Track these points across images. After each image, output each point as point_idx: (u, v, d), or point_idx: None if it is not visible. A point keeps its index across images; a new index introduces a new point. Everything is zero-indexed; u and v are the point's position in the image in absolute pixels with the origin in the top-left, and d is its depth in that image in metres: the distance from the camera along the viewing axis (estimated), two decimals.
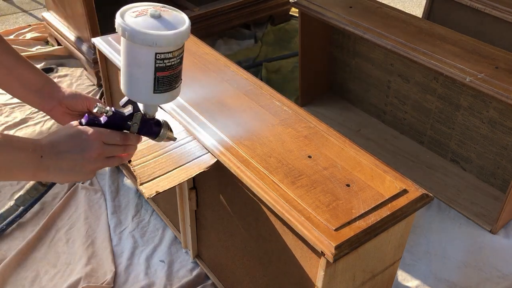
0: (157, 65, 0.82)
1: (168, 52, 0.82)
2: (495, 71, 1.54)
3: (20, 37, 2.75)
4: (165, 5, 0.87)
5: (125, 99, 0.90)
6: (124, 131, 0.90)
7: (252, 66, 2.60)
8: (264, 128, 1.19)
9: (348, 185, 1.03)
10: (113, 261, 1.54)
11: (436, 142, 1.98)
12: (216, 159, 1.11)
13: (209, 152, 1.13)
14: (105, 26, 2.24)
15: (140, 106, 0.91)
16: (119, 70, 1.51)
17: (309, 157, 1.10)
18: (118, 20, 0.80)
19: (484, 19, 2.06)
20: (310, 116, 1.24)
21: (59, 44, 2.65)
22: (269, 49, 2.78)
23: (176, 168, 1.10)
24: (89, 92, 2.34)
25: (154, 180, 1.07)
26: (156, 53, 0.81)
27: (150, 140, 0.96)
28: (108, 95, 1.72)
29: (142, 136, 0.93)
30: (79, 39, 2.39)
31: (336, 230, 0.93)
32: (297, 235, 0.98)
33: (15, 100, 2.26)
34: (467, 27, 2.12)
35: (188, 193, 1.36)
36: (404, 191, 1.03)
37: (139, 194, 1.79)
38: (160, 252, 1.58)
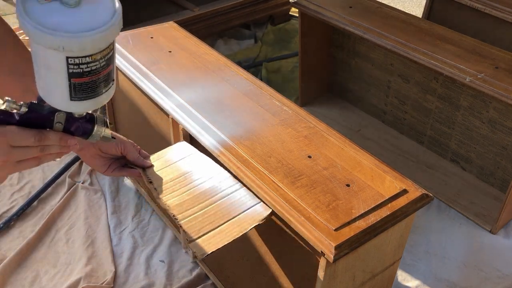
0: (70, 70, 0.64)
1: (85, 56, 0.63)
2: (495, 71, 1.54)
3: (20, 37, 2.75)
4: None
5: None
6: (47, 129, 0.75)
7: (252, 66, 2.60)
8: (264, 128, 1.19)
9: (348, 185, 1.03)
10: (113, 261, 1.54)
11: (436, 142, 1.98)
12: (271, 210, 1.01)
13: (261, 201, 1.02)
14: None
15: None
16: (117, 71, 1.52)
17: (309, 157, 1.10)
18: (17, 4, 0.60)
19: (484, 19, 2.06)
20: (310, 116, 1.24)
21: None
22: (269, 49, 2.78)
23: (227, 221, 0.99)
24: None
25: (204, 237, 0.95)
26: (67, 57, 0.62)
27: (193, 189, 0.86)
28: None
29: (70, 136, 0.77)
30: None
31: (336, 230, 0.93)
32: (297, 235, 0.98)
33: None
34: (467, 27, 2.12)
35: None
36: (404, 191, 1.03)
37: (139, 194, 1.79)
38: (160, 252, 1.58)
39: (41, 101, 0.72)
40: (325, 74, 2.32)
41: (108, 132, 0.81)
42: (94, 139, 0.79)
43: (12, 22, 3.09)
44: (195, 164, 1.14)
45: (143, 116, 1.51)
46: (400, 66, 1.97)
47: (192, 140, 1.28)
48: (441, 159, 1.98)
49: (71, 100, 0.68)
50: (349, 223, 0.95)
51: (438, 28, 1.79)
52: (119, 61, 1.47)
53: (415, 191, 1.03)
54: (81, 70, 0.64)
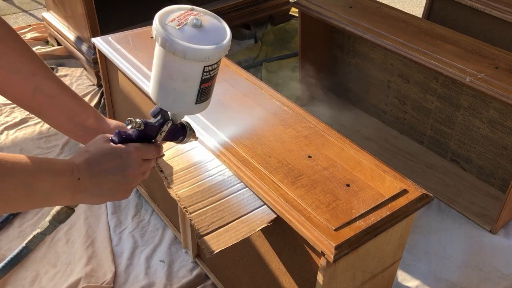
0: (203, 77, 0.81)
1: (214, 63, 0.81)
2: (495, 71, 1.54)
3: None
4: (194, 7, 0.83)
5: (156, 108, 0.87)
6: (153, 140, 0.88)
7: (252, 66, 2.60)
8: (264, 128, 1.19)
9: (348, 185, 1.03)
10: (113, 261, 1.54)
11: (436, 142, 1.98)
12: (275, 216, 1.01)
13: (265, 204, 1.03)
14: (105, 26, 2.24)
15: (170, 115, 0.89)
16: (117, 71, 1.52)
17: (309, 157, 1.10)
18: (161, 33, 0.77)
19: (484, 19, 2.06)
20: (310, 116, 1.24)
21: (59, 44, 2.65)
22: (269, 49, 2.78)
23: (236, 219, 0.99)
24: (89, 92, 2.34)
25: (213, 233, 0.96)
26: (204, 66, 0.79)
27: (204, 182, 0.93)
28: (108, 95, 1.72)
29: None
30: (79, 39, 2.39)
31: (336, 230, 0.93)
32: (297, 235, 0.98)
33: None
34: (467, 27, 2.12)
35: None
36: (404, 191, 1.03)
37: (139, 194, 1.79)
38: (160, 252, 1.58)
39: (156, 114, 0.86)
40: (325, 74, 2.31)
41: (194, 134, 0.95)
42: (186, 142, 0.94)
43: (13, 22, 3.09)
44: (206, 155, 1.14)
45: (144, 116, 1.51)
46: (400, 66, 1.97)
47: None
48: (441, 159, 1.98)
49: (196, 103, 0.85)
50: (349, 223, 0.95)
51: (438, 28, 1.79)
52: (119, 61, 1.47)
53: (415, 191, 1.03)
54: (209, 76, 0.81)
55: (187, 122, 0.94)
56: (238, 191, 1.06)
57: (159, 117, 0.87)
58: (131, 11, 2.59)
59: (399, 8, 1.97)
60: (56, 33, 2.58)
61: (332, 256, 0.89)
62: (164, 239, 1.63)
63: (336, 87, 2.33)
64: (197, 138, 0.96)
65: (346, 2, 1.98)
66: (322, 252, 0.90)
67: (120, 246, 1.60)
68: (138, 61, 1.46)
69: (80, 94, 2.31)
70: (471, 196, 1.81)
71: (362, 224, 0.95)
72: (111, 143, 0.82)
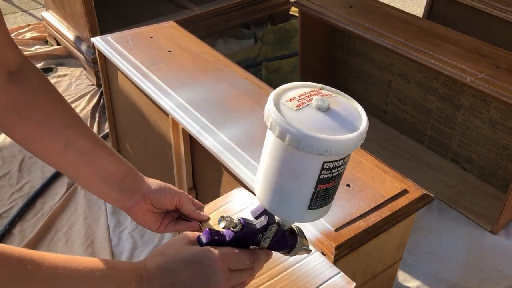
0: (321, 176, 0.61)
1: (339, 160, 0.60)
2: (496, 71, 1.54)
3: (20, 37, 2.75)
4: (324, 86, 0.67)
5: (259, 207, 0.69)
6: (251, 246, 0.69)
7: (252, 66, 2.60)
8: (264, 128, 1.19)
9: (348, 185, 1.03)
10: None
11: (436, 142, 1.98)
12: (354, 284, 0.81)
13: (341, 272, 0.82)
14: (105, 26, 2.24)
15: (277, 219, 0.70)
16: (117, 71, 1.52)
17: None
18: (272, 111, 0.60)
19: (485, 18, 2.06)
20: None
21: (58, 44, 2.64)
22: (269, 48, 2.78)
23: None
24: (88, 92, 2.33)
25: None
26: (324, 162, 0.59)
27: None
28: (108, 95, 1.71)
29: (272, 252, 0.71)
30: (79, 39, 2.38)
31: (336, 230, 0.93)
32: None
33: None
34: (468, 26, 2.12)
35: (188, 193, 1.35)
36: (405, 191, 1.03)
37: None
38: None
39: (258, 215, 0.69)
40: (325, 74, 2.31)
41: (307, 245, 0.74)
42: (296, 252, 0.72)
43: (12, 22, 3.09)
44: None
45: (143, 116, 1.50)
46: (401, 66, 1.97)
47: (192, 140, 1.27)
48: (441, 159, 1.98)
49: (308, 209, 0.64)
50: (349, 223, 0.94)
51: (438, 27, 1.79)
52: (119, 61, 1.47)
53: (415, 191, 1.03)
54: (331, 175, 0.61)
55: (298, 228, 0.73)
56: (302, 259, 0.84)
57: (262, 218, 0.69)
58: (131, 11, 2.59)
59: (400, 8, 1.96)
60: (55, 33, 2.57)
61: (333, 256, 0.88)
62: (164, 239, 1.62)
63: (336, 87, 2.32)
64: (311, 251, 0.74)
65: (346, 2, 1.97)
66: (322, 252, 0.90)
67: (119, 247, 1.59)
68: (138, 60, 1.46)
69: (79, 94, 2.31)
70: (472, 196, 1.81)
71: (362, 224, 0.94)
72: (195, 246, 0.65)
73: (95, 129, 2.10)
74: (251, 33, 2.88)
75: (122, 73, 1.47)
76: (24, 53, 2.68)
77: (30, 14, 3.24)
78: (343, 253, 0.90)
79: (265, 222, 0.68)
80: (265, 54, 2.72)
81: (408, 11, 1.95)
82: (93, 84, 2.39)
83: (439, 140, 1.96)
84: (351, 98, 0.66)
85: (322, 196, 0.63)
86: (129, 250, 1.58)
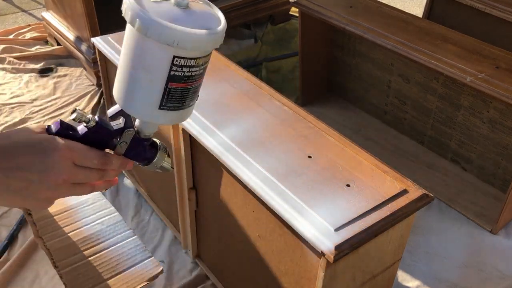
0: (172, 72, 0.60)
1: (191, 58, 0.60)
2: (496, 71, 1.54)
3: (20, 37, 2.75)
4: None
5: (115, 107, 0.66)
6: (106, 150, 0.66)
7: (252, 66, 2.60)
8: (264, 128, 1.19)
9: (348, 185, 1.03)
10: None
11: (436, 142, 1.98)
12: (162, 268, 0.94)
13: (152, 256, 0.93)
14: (105, 26, 2.24)
15: (136, 123, 0.68)
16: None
17: (309, 157, 1.10)
18: (129, 0, 0.59)
19: (485, 19, 2.06)
20: (310, 116, 1.24)
21: (58, 44, 2.64)
22: (269, 48, 2.78)
23: (113, 277, 0.88)
24: (88, 92, 2.34)
25: None
26: (174, 57, 0.59)
27: (78, 231, 0.73)
28: (108, 96, 1.72)
29: (130, 161, 0.68)
30: (79, 39, 2.38)
31: (336, 230, 0.93)
32: (297, 235, 0.97)
33: (15, 100, 2.26)
34: (468, 26, 2.12)
35: (188, 193, 1.35)
36: (404, 191, 1.03)
37: (138, 194, 1.79)
38: (160, 252, 1.58)
39: (114, 116, 0.66)
40: (325, 74, 2.31)
41: (168, 162, 0.72)
42: (153, 167, 0.71)
43: (12, 22, 3.09)
44: (84, 198, 1.00)
45: None
46: (401, 66, 1.97)
47: (192, 140, 1.27)
48: (441, 159, 1.98)
49: (159, 108, 0.63)
50: (349, 223, 0.94)
51: (438, 27, 1.79)
52: (118, 61, 1.47)
53: (415, 191, 1.03)
54: (182, 74, 0.60)
55: (162, 143, 0.73)
56: (117, 243, 0.93)
57: (120, 120, 0.66)
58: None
59: (400, 8, 1.96)
60: (55, 33, 2.57)
61: (332, 256, 0.88)
62: (164, 239, 1.62)
63: (336, 87, 2.33)
64: (172, 169, 0.74)
65: (346, 2, 1.97)
66: (322, 252, 0.90)
67: None
68: None
69: (79, 94, 2.32)
70: (472, 196, 1.81)
71: (362, 224, 0.94)
72: (43, 134, 0.62)
73: None
74: (251, 33, 2.89)
75: None
76: (25, 53, 2.68)
77: (30, 14, 3.24)
78: (343, 253, 0.90)
79: (122, 125, 0.66)
80: (265, 54, 2.72)
81: (408, 11, 1.95)
82: (93, 84, 2.39)
83: (439, 140, 1.96)
84: (216, 7, 0.65)
85: (174, 96, 0.62)
86: None
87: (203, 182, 1.31)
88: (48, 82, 2.41)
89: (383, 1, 2.04)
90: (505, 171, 1.77)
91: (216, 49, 1.57)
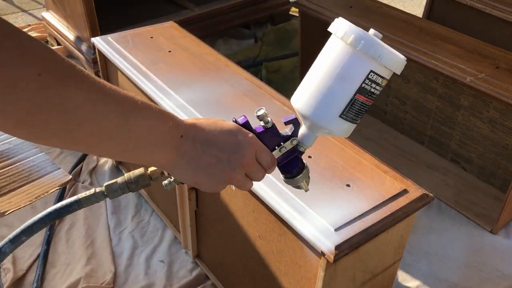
0: (363, 85, 0.68)
1: (381, 76, 0.68)
2: (496, 71, 1.54)
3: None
4: None
5: (290, 116, 0.74)
6: None
7: (252, 66, 2.60)
8: None
9: (348, 185, 1.03)
10: (113, 261, 1.54)
11: (436, 142, 1.98)
12: (70, 177, 0.99)
13: (61, 168, 1.02)
14: (105, 26, 2.24)
15: (300, 133, 0.75)
16: (117, 71, 1.52)
17: (309, 157, 1.10)
18: (344, 21, 0.71)
19: (485, 18, 2.06)
20: None
21: (58, 44, 2.64)
22: (269, 49, 2.78)
23: (27, 184, 1.00)
24: None
25: (5, 197, 0.96)
26: (371, 71, 0.67)
27: None
28: None
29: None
30: (79, 39, 2.38)
31: (336, 230, 0.93)
32: (297, 235, 0.98)
33: None
34: (468, 27, 2.12)
35: (188, 193, 1.36)
36: (404, 191, 1.03)
37: (138, 194, 1.79)
38: (160, 252, 1.58)
39: (286, 123, 0.74)
40: None
41: (306, 184, 0.78)
42: (293, 183, 0.77)
43: (12, 22, 3.09)
44: None
45: None
46: None
47: None
48: (441, 159, 1.98)
49: (339, 116, 0.70)
50: (349, 223, 0.94)
51: (438, 28, 1.79)
52: (119, 61, 1.47)
53: (415, 191, 1.03)
54: (370, 88, 0.69)
55: (307, 165, 0.78)
56: (28, 158, 1.08)
57: (288, 128, 0.74)
58: (131, 11, 2.59)
59: (399, 8, 1.96)
60: (55, 33, 2.57)
61: (332, 256, 0.89)
62: (164, 239, 1.62)
63: None
64: (307, 190, 0.79)
65: (346, 2, 1.97)
66: (322, 252, 0.90)
67: (120, 246, 1.60)
68: (138, 61, 1.46)
69: None
70: (472, 196, 1.81)
71: (362, 224, 0.94)
72: (234, 123, 0.70)
73: None
74: (251, 33, 2.89)
75: (122, 73, 1.47)
76: None
77: (30, 14, 3.24)
78: (343, 253, 0.90)
79: (289, 133, 0.73)
80: (265, 54, 2.72)
81: (408, 11, 1.95)
82: None
83: (439, 140, 1.96)
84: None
85: (355, 109, 0.70)
86: (129, 250, 1.58)
87: None
88: None
89: (383, 1, 2.04)
90: (505, 171, 1.77)
91: (216, 49, 1.58)
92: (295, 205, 0.98)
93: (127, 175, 0.74)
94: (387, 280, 1.17)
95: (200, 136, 0.65)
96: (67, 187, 1.79)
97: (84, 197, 0.76)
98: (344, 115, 0.70)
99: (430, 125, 1.97)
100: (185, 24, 2.31)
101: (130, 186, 0.74)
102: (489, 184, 1.85)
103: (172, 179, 0.71)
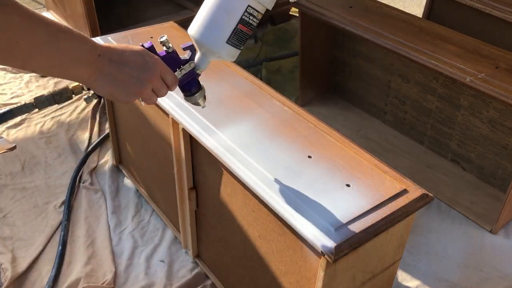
0: (243, 17, 0.87)
1: (257, 11, 0.87)
2: (496, 71, 1.54)
3: None
4: None
5: (188, 43, 0.92)
6: None
7: (252, 66, 2.60)
8: (264, 128, 1.19)
9: (348, 185, 1.03)
10: (113, 261, 1.54)
11: (436, 142, 1.98)
12: (14, 144, 1.07)
13: (4, 137, 1.06)
14: (105, 26, 2.24)
15: (196, 58, 0.93)
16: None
17: (309, 157, 1.10)
18: None
19: (484, 18, 2.06)
20: (310, 116, 1.24)
21: None
22: (269, 49, 2.78)
23: None
24: (89, 92, 2.34)
25: None
26: (248, 5, 0.86)
27: None
28: None
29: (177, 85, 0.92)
30: None
31: (336, 230, 0.93)
32: (297, 235, 0.98)
33: (15, 100, 2.26)
34: (467, 27, 2.12)
35: (188, 193, 1.36)
36: (404, 191, 1.03)
37: (138, 194, 1.79)
38: (160, 252, 1.58)
39: (185, 48, 0.91)
40: (325, 74, 2.31)
41: (202, 102, 0.99)
42: (192, 100, 0.97)
43: None
44: None
45: (143, 116, 1.51)
46: (400, 66, 1.97)
47: (192, 140, 1.28)
48: (441, 159, 1.98)
49: (226, 42, 0.89)
50: (349, 223, 0.95)
51: (438, 28, 1.79)
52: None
53: (415, 191, 1.03)
54: (249, 20, 0.88)
55: (203, 87, 0.98)
56: None
57: (186, 53, 0.91)
58: (131, 11, 2.59)
59: (399, 8, 1.97)
60: None
61: (332, 256, 0.89)
62: (164, 239, 1.63)
63: (336, 87, 2.33)
64: (204, 107, 1.00)
65: (346, 2, 1.97)
66: (322, 252, 0.90)
67: (120, 246, 1.60)
68: None
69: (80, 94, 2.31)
70: (471, 196, 1.81)
71: (362, 224, 0.94)
72: (142, 47, 0.84)
73: (95, 129, 2.10)
74: None
75: None
76: None
77: None
78: (343, 253, 0.90)
79: (187, 57, 0.91)
80: (265, 54, 2.72)
81: (408, 11, 1.96)
82: None
83: (438, 140, 1.97)
84: None
85: (238, 36, 0.89)
86: (129, 249, 1.58)
87: (203, 182, 1.32)
88: (49, 82, 2.41)
89: (383, 1, 2.04)
90: (505, 171, 1.77)
91: None
92: (295, 205, 0.98)
93: (53, 90, 0.95)
94: (387, 280, 1.17)
95: (115, 57, 0.78)
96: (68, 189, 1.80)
97: (16, 107, 1.03)
98: (230, 41, 0.89)
99: (430, 125, 1.97)
100: (185, 24, 2.31)
101: (56, 97, 0.95)
102: (489, 184, 1.85)
103: (91, 94, 0.90)
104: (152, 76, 0.82)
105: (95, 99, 0.88)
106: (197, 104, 0.98)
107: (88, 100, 0.92)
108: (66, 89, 0.88)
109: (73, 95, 0.87)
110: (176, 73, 0.89)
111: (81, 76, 0.77)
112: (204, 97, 0.98)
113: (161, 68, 0.84)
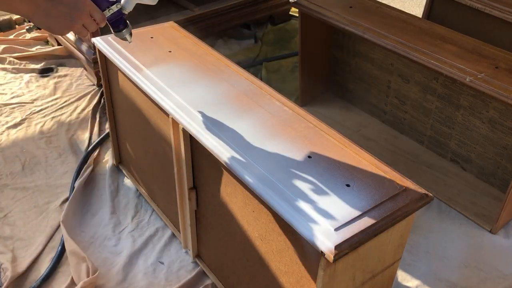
0: None
1: None
2: (495, 71, 1.54)
3: (20, 37, 2.75)
4: None
5: None
6: None
7: (252, 66, 2.60)
8: (264, 128, 1.19)
9: (348, 185, 1.03)
10: (113, 261, 1.54)
11: (436, 142, 1.98)
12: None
13: None
14: (105, 26, 2.24)
15: (122, 0, 1.10)
16: (117, 71, 1.52)
17: (309, 157, 1.10)
18: None
19: (484, 19, 2.06)
20: (310, 116, 1.24)
21: (59, 44, 2.65)
22: (269, 49, 2.78)
23: None
24: (89, 92, 2.34)
25: None
26: None
27: None
28: (108, 95, 1.72)
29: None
30: (79, 39, 2.39)
31: (336, 230, 0.93)
32: (297, 235, 0.98)
33: (15, 100, 2.26)
34: (467, 27, 2.12)
35: (188, 193, 1.36)
36: (404, 191, 1.03)
37: (138, 194, 1.79)
38: (160, 252, 1.58)
39: None
40: (325, 74, 2.31)
41: (129, 38, 1.19)
42: (120, 36, 1.16)
43: None
44: None
45: (143, 116, 1.51)
46: (400, 66, 1.97)
47: (192, 140, 1.28)
48: (441, 159, 1.98)
49: None
50: (349, 223, 0.95)
51: (438, 28, 1.79)
52: (119, 61, 1.47)
53: (415, 191, 1.03)
54: None
55: (130, 25, 1.16)
56: None
57: None
58: (131, 11, 2.58)
59: (399, 8, 1.97)
60: None
61: (332, 256, 0.89)
62: (164, 239, 1.63)
63: (336, 87, 2.33)
64: (130, 42, 1.18)
65: (346, 2, 1.97)
66: (322, 252, 0.90)
67: (119, 246, 1.60)
68: (138, 60, 1.46)
69: (80, 94, 2.32)
70: (471, 196, 1.81)
71: (362, 224, 0.95)
72: None
73: (96, 129, 2.10)
74: (251, 33, 2.89)
75: (123, 73, 1.48)
76: (25, 53, 2.67)
77: None
78: (343, 253, 0.90)
79: (115, 0, 1.08)
80: (265, 54, 2.73)
81: (408, 11, 1.96)
82: (93, 84, 2.39)
83: (438, 140, 1.97)
84: None
85: None
86: (129, 249, 1.58)
87: (203, 182, 1.32)
88: (49, 82, 2.41)
89: (383, 1, 2.04)
90: (505, 171, 1.77)
91: (216, 49, 1.58)
92: (295, 205, 0.98)
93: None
94: (387, 280, 1.17)
95: None
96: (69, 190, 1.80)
97: None
98: None
99: (429, 125, 1.97)
100: (185, 24, 2.31)
101: (1, 26, 1.06)
102: (488, 184, 1.85)
103: (32, 25, 1.02)
104: (82, 13, 0.99)
105: (35, 29, 1.05)
106: (124, 39, 1.17)
107: (29, 30, 1.05)
108: (10, 19, 1.09)
109: (16, 26, 1.10)
110: (104, 12, 1.05)
111: (22, 10, 0.94)
112: (131, 34, 1.17)
113: (90, 7, 1.00)
